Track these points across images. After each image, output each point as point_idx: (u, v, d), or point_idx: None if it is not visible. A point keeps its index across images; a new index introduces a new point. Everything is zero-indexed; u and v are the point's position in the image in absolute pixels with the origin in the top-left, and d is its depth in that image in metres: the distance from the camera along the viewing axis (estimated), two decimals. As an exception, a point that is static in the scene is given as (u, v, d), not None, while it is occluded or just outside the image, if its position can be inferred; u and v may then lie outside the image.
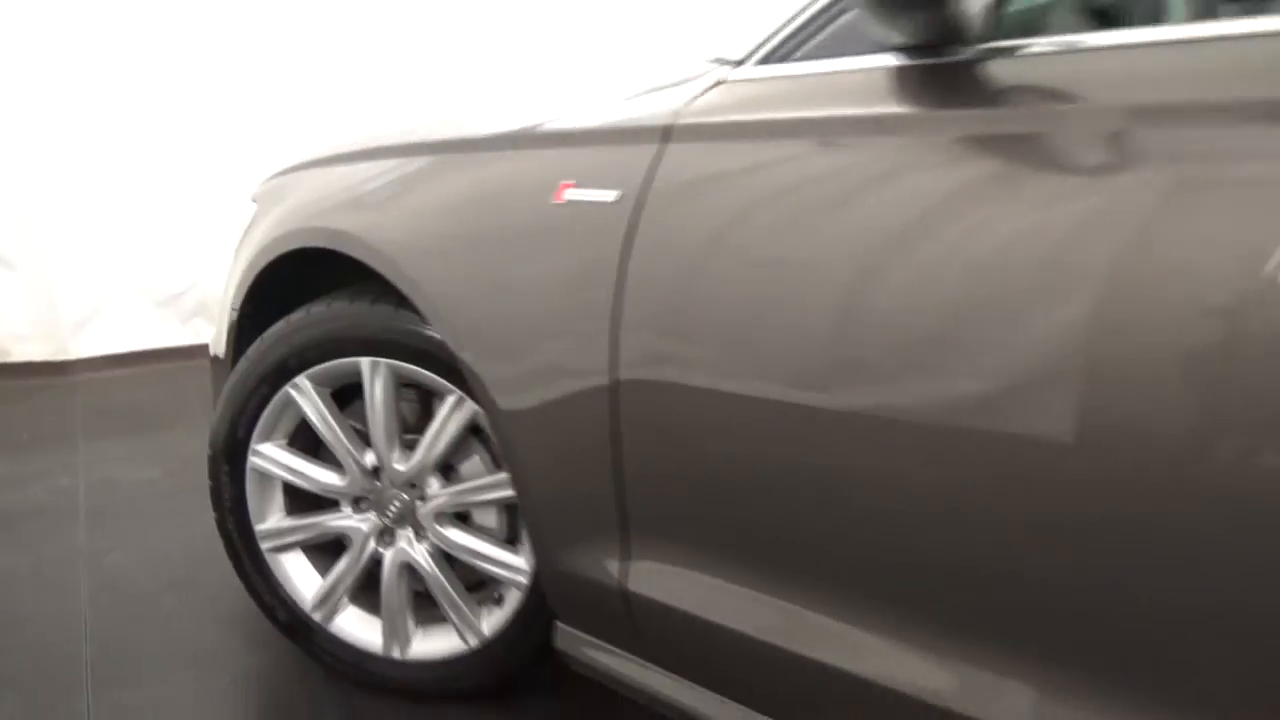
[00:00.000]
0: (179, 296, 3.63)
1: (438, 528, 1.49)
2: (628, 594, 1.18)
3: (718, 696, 1.17)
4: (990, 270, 0.84)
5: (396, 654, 1.57)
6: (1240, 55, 0.81)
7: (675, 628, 1.15)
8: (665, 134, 1.10)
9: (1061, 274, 0.80)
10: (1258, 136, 0.76)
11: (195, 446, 1.59)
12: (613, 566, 1.19)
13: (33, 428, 2.98)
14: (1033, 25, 1.01)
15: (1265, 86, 0.77)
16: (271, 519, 1.60)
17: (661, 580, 1.15)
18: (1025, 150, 0.87)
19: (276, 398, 1.52)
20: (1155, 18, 1.11)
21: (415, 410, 1.56)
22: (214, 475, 1.59)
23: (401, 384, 1.47)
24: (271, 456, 1.56)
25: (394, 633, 1.56)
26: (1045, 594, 0.85)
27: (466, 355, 1.26)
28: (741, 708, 1.15)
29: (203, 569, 1.97)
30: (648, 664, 1.22)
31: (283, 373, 1.51)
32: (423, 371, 1.41)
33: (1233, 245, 0.72)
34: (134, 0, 3.32)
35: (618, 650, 1.25)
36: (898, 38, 0.92)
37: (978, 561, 0.88)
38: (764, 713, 1.13)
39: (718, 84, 1.11)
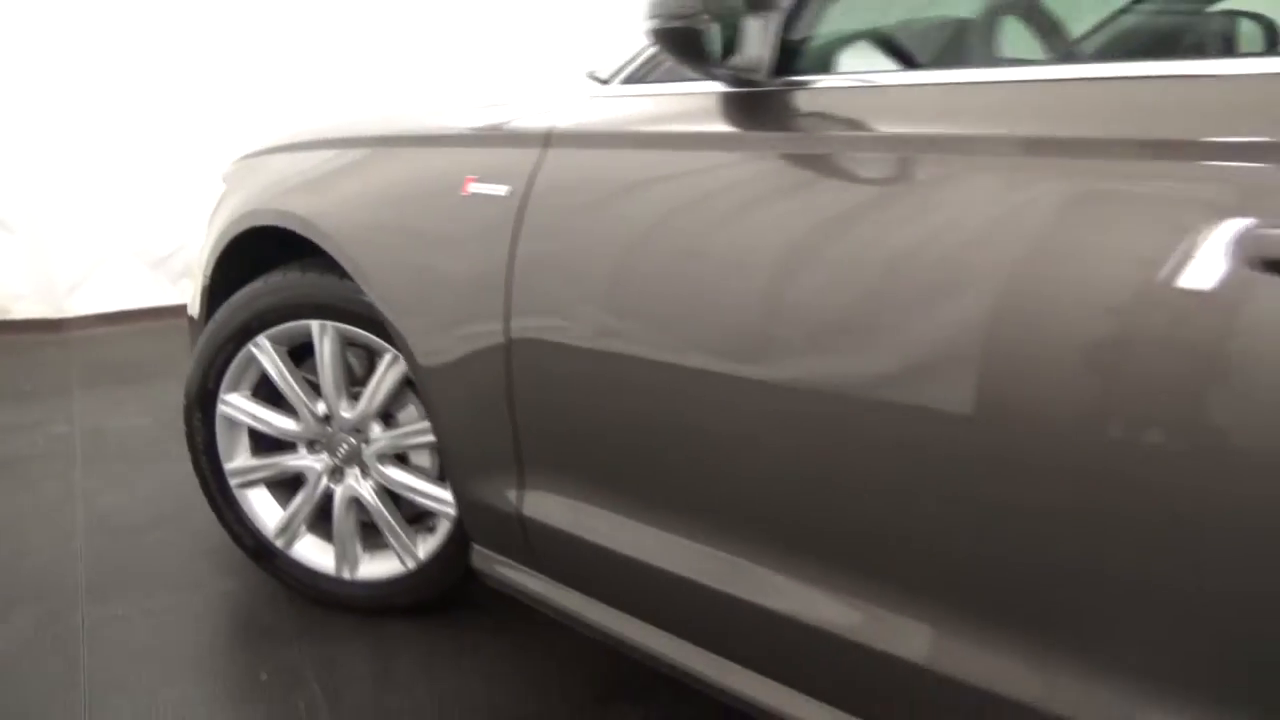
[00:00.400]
0: (167, 259, 3.87)
1: (380, 467, 1.74)
2: (523, 518, 1.43)
3: (597, 603, 1.42)
4: (775, 259, 1.08)
5: (346, 575, 1.83)
6: (994, 97, 1.01)
7: (559, 546, 1.40)
8: (546, 139, 1.33)
9: (834, 267, 1.03)
10: (1002, 165, 0.94)
11: (182, 397, 1.83)
12: (511, 495, 1.44)
13: (32, 380, 3.23)
14: (834, 60, 1.22)
15: (1009, 124, 0.97)
16: (238, 459, 1.85)
17: (548, 506, 1.40)
18: (818, 168, 1.09)
19: (240, 354, 1.76)
20: (948, 57, 1.33)
21: (363, 365, 1.80)
22: (189, 421, 1.84)
23: (348, 343, 1.71)
24: (237, 405, 1.81)
25: (344, 557, 1.81)
26: (873, 526, 1.05)
27: (394, 321, 1.50)
28: (617, 612, 1.40)
29: (185, 506, 2.21)
30: (540, 575, 1.48)
31: (245, 333, 1.75)
32: (363, 333, 1.65)
33: (981, 248, 0.92)
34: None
35: (517, 565, 1.51)
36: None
37: (787, 484, 1.11)
38: (638, 617, 1.38)
39: (589, 99, 1.34)
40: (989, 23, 1.31)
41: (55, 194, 3.66)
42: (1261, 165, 0.80)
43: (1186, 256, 0.81)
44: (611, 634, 1.40)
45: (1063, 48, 1.42)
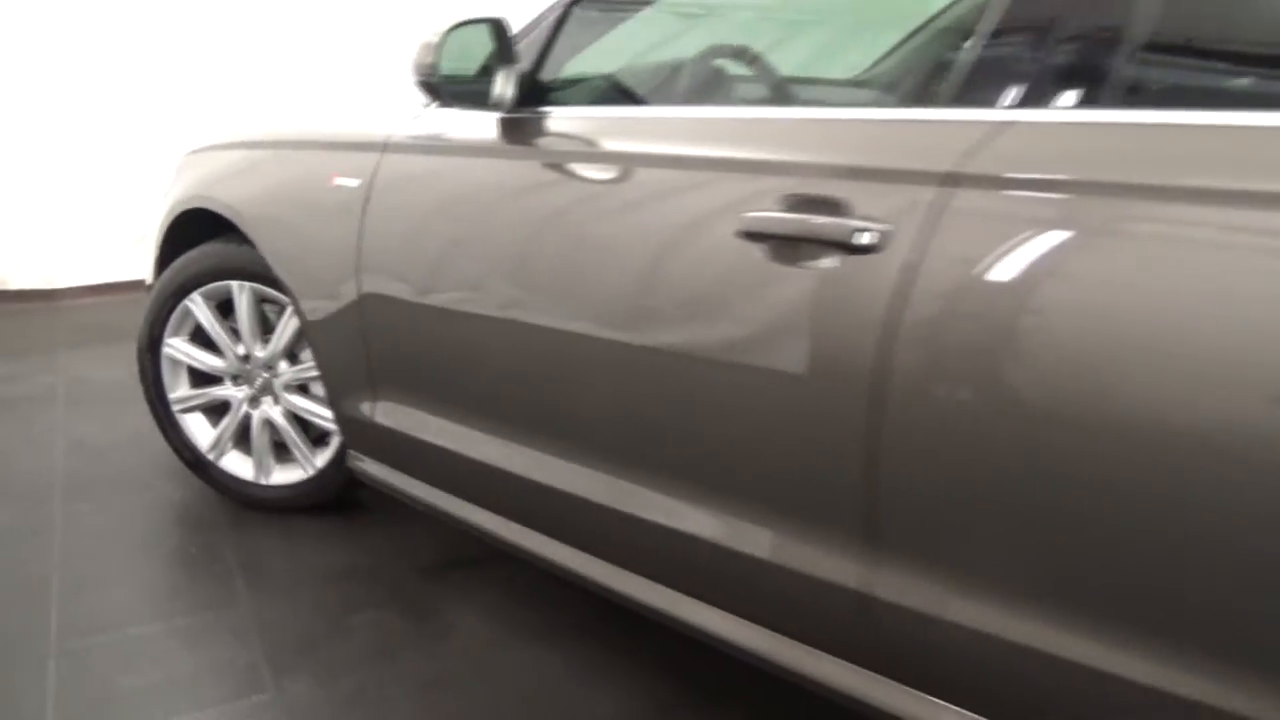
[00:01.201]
0: (146, 237, 4.38)
1: (287, 395, 2.26)
2: (376, 425, 1.95)
3: (429, 486, 1.93)
4: (520, 230, 1.59)
5: (263, 481, 2.35)
6: (694, 126, 1.51)
7: (400, 443, 1.92)
8: (384, 146, 1.84)
9: (554, 235, 1.53)
10: (691, 179, 1.42)
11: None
12: (367, 408, 1.96)
13: (25, 340, 3.75)
14: (577, 96, 1.73)
15: (700, 147, 1.45)
16: (180, 390, 2.38)
17: (392, 414, 1.92)
18: (546, 170, 1.60)
19: (179, 308, 2.28)
20: (661, 96, 1.84)
21: (277, 316, 2.31)
22: (141, 361, 2.37)
23: (261, 299, 2.23)
24: (178, 348, 2.33)
25: (261, 466, 2.34)
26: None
27: (286, 281, 2.02)
28: (444, 494, 1.91)
29: (146, 435, 2.71)
30: (389, 468, 1.99)
31: (183, 291, 2.27)
32: (271, 291, 2.17)
33: (681, 228, 1.40)
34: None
35: (374, 461, 2.03)
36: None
37: (550, 388, 1.62)
38: (460, 497, 1.89)
39: (412, 117, 1.85)
40: (701, 67, 1.82)
41: (51, 180, 4.19)
42: (747, 175, 1.32)
43: (717, 228, 1.33)
44: (439, 510, 1.91)
45: (772, 82, 1.93)
